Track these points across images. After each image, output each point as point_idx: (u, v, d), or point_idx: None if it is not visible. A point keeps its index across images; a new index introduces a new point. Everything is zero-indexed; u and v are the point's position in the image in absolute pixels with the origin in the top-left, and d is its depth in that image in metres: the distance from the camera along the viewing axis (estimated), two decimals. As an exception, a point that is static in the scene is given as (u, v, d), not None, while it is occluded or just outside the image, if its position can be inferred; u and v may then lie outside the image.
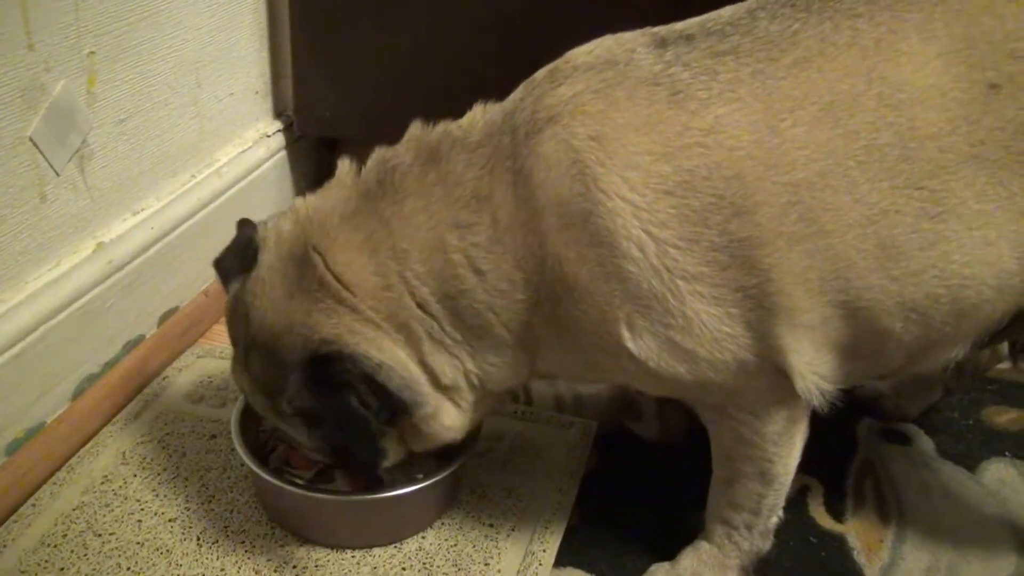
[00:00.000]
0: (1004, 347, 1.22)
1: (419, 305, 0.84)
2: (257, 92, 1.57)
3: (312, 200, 0.90)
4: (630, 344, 0.79)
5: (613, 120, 0.76)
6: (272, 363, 0.88)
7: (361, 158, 0.91)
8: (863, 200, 0.73)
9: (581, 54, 0.83)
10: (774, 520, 0.95)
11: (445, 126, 0.87)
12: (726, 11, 0.81)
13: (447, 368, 0.87)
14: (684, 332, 0.77)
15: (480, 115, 0.86)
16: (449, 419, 0.90)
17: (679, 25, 0.82)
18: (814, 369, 0.79)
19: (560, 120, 0.78)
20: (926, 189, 0.73)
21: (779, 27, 0.77)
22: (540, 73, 0.84)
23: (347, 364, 0.83)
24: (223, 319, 1.44)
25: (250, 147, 1.54)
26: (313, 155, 1.72)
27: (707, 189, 0.74)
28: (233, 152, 1.50)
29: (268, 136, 1.59)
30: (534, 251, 0.79)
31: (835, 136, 0.73)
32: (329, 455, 0.95)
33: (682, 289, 0.76)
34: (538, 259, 0.79)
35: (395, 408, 0.86)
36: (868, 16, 0.75)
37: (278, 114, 1.64)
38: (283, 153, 1.63)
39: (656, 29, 0.82)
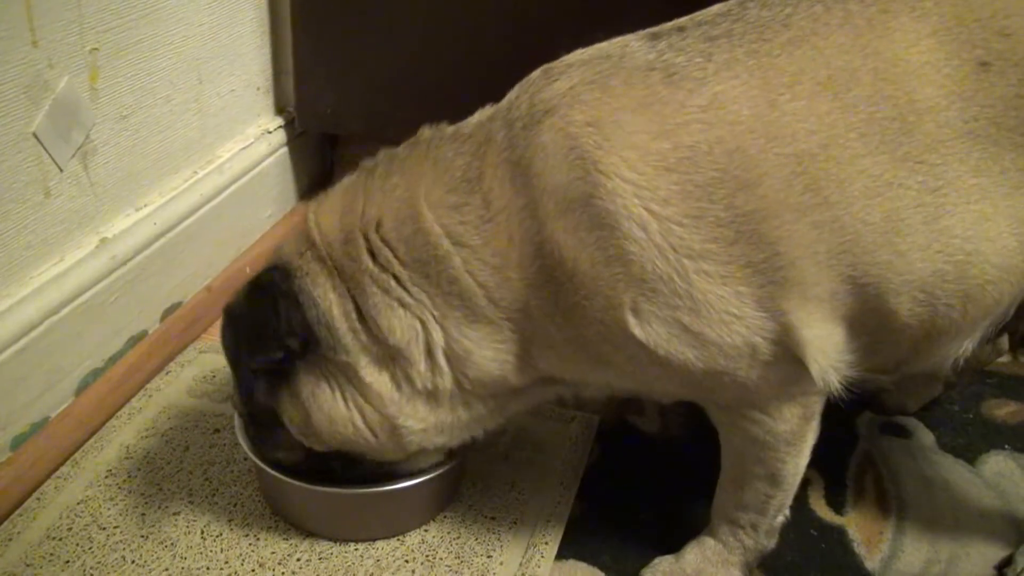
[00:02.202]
0: (1005, 341, 1.23)
1: (378, 263, 0.85)
2: (259, 88, 1.57)
3: None
4: (636, 331, 0.77)
5: (609, 105, 0.76)
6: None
7: (363, 154, 0.92)
8: (866, 172, 0.73)
9: (576, 54, 0.84)
10: (780, 519, 0.95)
11: (445, 126, 0.88)
12: (715, 6, 0.82)
13: (397, 326, 0.85)
14: (692, 314, 0.75)
15: (477, 116, 0.88)
16: (384, 388, 0.88)
17: (669, 23, 0.83)
18: (826, 346, 0.77)
19: (557, 111, 0.78)
20: (926, 163, 0.73)
21: (770, 12, 0.77)
22: (535, 72, 0.85)
23: (279, 275, 0.88)
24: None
25: (252, 143, 1.54)
26: (315, 151, 1.73)
27: (709, 164, 0.74)
28: (235, 148, 1.50)
29: (270, 132, 1.59)
30: (532, 236, 0.79)
31: (834, 109, 0.73)
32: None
33: (688, 268, 0.74)
34: (535, 245, 0.79)
35: (306, 334, 0.87)
36: None
37: (280, 110, 1.64)
38: (285, 149, 1.63)
39: (648, 29, 0.83)
